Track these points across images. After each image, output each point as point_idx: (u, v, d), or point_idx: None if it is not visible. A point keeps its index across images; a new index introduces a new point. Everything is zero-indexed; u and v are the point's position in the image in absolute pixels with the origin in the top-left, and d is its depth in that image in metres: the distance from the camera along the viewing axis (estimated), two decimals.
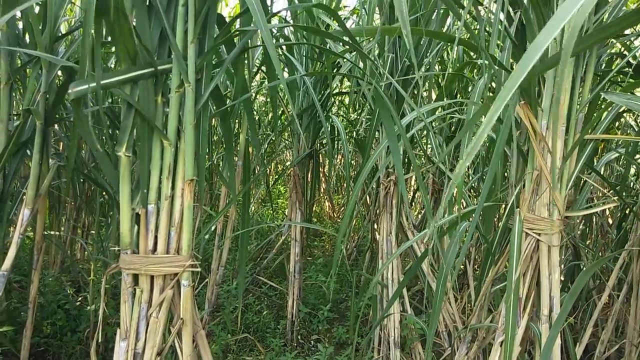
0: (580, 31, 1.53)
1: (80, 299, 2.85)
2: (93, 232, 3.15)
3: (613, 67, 1.99)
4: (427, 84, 2.93)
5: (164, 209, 1.34)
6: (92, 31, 1.17)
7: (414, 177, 3.45)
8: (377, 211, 2.91)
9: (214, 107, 1.60)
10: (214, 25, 1.38)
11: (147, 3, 1.28)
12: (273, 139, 4.37)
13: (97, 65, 1.16)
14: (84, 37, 1.08)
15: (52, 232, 2.95)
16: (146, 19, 1.26)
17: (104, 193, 2.71)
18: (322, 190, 5.34)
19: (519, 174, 1.80)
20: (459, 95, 3.31)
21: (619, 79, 2.14)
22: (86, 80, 1.18)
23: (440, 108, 2.62)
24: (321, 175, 5.04)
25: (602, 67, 1.73)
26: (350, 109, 4.48)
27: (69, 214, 3.18)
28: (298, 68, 2.47)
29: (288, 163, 4.96)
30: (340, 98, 4.27)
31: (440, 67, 3.36)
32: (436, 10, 2.07)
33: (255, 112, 4.75)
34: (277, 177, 4.46)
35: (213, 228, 3.02)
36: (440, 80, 3.17)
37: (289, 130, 3.56)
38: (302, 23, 2.57)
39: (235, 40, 1.52)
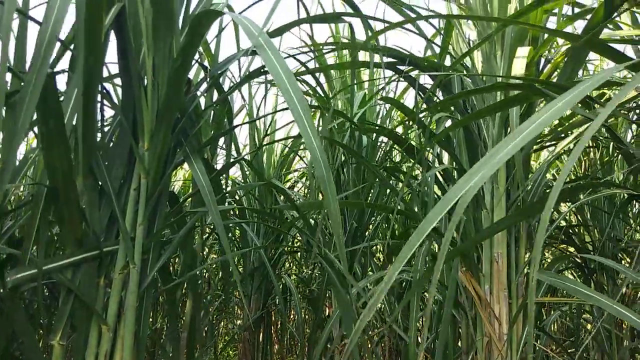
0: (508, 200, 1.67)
1: None
2: None
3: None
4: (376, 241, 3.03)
5: None
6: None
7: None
8: None
9: (160, 282, 1.57)
10: (165, 206, 1.42)
11: (99, 187, 1.32)
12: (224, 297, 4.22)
13: (40, 251, 1.14)
14: (29, 226, 1.08)
15: None
16: (96, 203, 1.28)
17: None
18: (274, 350, 5.04)
19: (469, 340, 1.80)
20: None
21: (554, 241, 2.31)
22: (26, 267, 1.15)
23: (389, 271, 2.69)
24: (274, 333, 4.79)
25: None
26: (302, 263, 4.48)
27: None
28: (252, 237, 2.52)
29: (239, 322, 4.74)
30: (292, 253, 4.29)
31: (386, 225, 3.52)
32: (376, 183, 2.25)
33: (205, 270, 4.66)
34: (227, 341, 4.20)
35: None
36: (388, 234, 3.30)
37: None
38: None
39: (187, 219, 1.55)
